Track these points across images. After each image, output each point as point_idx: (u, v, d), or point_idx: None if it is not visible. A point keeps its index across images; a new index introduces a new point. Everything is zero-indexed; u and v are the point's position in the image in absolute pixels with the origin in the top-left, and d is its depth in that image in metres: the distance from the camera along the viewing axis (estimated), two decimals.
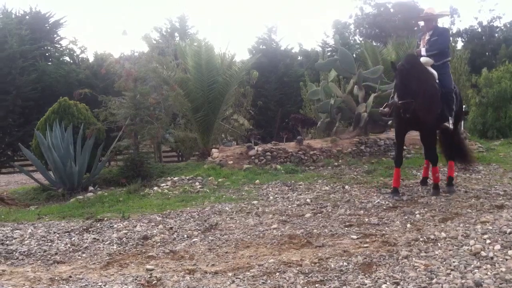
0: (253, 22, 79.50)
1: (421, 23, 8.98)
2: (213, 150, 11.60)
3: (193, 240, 5.67)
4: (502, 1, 71.55)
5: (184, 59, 13.09)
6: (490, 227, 5.41)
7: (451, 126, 7.80)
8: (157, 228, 6.24)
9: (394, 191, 7.63)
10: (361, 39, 46.95)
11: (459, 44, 49.22)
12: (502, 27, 56.48)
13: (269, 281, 4.21)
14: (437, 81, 7.66)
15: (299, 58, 39.05)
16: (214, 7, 74.65)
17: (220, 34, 68.92)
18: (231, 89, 13.25)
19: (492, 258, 4.46)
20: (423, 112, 7.29)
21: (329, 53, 26.52)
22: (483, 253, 4.56)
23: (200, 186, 9.05)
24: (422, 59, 7.73)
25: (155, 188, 9.07)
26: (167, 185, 9.20)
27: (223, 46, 13.79)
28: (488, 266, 4.27)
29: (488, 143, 13.92)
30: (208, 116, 12.54)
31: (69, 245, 5.67)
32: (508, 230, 5.22)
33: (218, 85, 12.35)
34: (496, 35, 55.45)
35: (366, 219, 6.22)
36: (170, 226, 6.34)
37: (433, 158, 7.80)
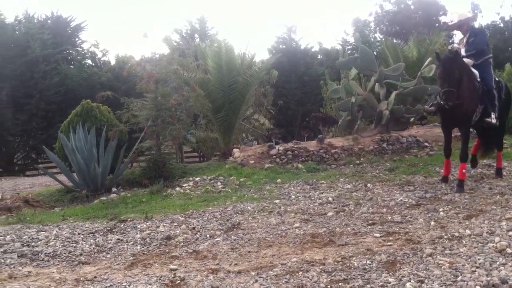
0: (273, 22, 79.55)
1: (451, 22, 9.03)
2: (234, 150, 11.63)
3: (216, 239, 5.69)
4: None
5: (204, 60, 13.16)
6: None
7: (493, 121, 8.02)
8: (180, 228, 6.27)
9: (443, 179, 8.26)
10: (381, 36, 46.68)
11: None
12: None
13: (292, 280, 4.21)
14: (478, 79, 7.99)
15: (319, 56, 38.92)
16: (234, 8, 74.87)
17: (240, 34, 69.21)
18: (251, 89, 13.28)
19: None
20: (464, 111, 7.75)
21: (349, 51, 26.41)
22: (508, 250, 4.49)
23: (222, 186, 9.08)
24: (466, 60, 8.02)
25: (177, 188, 9.12)
26: (189, 185, 9.25)
27: (243, 46, 13.85)
28: None
29: None
30: (229, 116, 12.59)
31: (93, 246, 5.73)
32: None
33: (238, 85, 12.39)
34: None
35: (389, 217, 6.18)
36: (192, 226, 6.37)
37: (464, 156, 7.93)
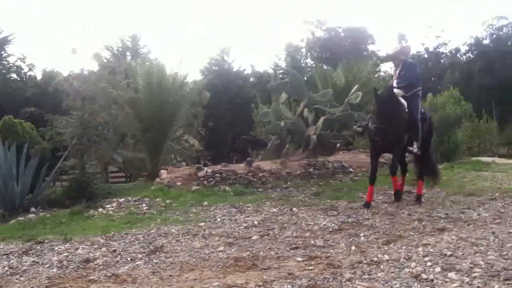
0: (207, 43, 79.83)
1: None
2: (162, 171, 11.48)
3: (137, 263, 5.55)
4: (448, 28, 74.47)
5: (135, 79, 13.00)
6: (432, 250, 5.51)
7: (415, 150, 8.61)
8: (100, 251, 6.08)
9: (365, 204, 8.40)
10: (312, 62, 47.82)
11: None
12: (448, 53, 58.59)
13: None
14: (406, 110, 8.48)
15: (251, 79, 39.38)
16: (168, 27, 74.62)
17: (173, 54, 68.91)
18: (182, 109, 13.22)
19: (432, 280, 4.53)
20: (392, 137, 8.26)
21: (280, 75, 26.79)
22: (424, 276, 4.63)
23: (146, 207, 8.91)
24: (396, 91, 8.55)
25: (100, 209, 8.86)
26: (112, 207, 9.01)
27: (175, 66, 13.77)
28: None
29: None
30: (158, 137, 12.44)
31: (6, 268, 5.45)
32: (449, 253, 5.34)
33: (169, 106, 12.29)
34: (442, 61, 57.50)
35: (312, 241, 6.24)
36: (113, 248, 6.19)
37: (393, 171, 8.75)
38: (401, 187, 9.23)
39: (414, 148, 8.58)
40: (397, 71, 8.99)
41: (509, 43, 51.17)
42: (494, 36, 53.27)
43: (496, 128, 27.91)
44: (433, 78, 51.41)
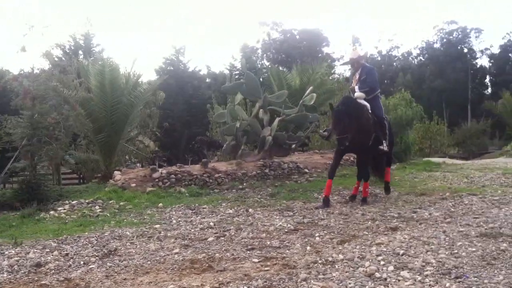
0: (163, 42, 79.18)
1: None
2: (116, 172, 11.29)
3: (90, 266, 5.44)
4: (400, 31, 76.04)
5: (87, 78, 12.72)
6: (385, 249, 5.61)
7: (385, 149, 9.09)
8: (52, 255, 5.92)
9: (324, 199, 8.71)
10: (268, 63, 48.06)
11: None
12: (400, 57, 60.01)
13: None
14: (369, 111, 8.97)
15: (207, 80, 39.24)
16: (122, 26, 73.59)
17: (127, 53, 67.97)
18: (136, 110, 13.02)
19: (385, 279, 4.61)
20: (358, 141, 8.70)
21: (236, 76, 26.81)
22: (377, 274, 4.70)
23: (100, 210, 8.73)
24: (356, 94, 9.13)
25: (52, 212, 8.64)
26: (64, 209, 8.80)
27: (129, 65, 13.55)
28: (382, 287, 4.41)
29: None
30: (111, 137, 12.23)
31: None
32: (401, 252, 5.45)
33: (122, 106, 12.09)
34: (395, 64, 58.84)
35: (268, 242, 6.25)
36: (66, 252, 6.04)
37: (365, 176, 9.19)
38: (356, 191, 9.53)
39: (384, 146, 9.05)
40: (357, 75, 9.39)
41: (458, 47, 52.72)
42: (445, 40, 54.87)
43: (447, 130, 28.70)
44: (386, 81, 52.53)
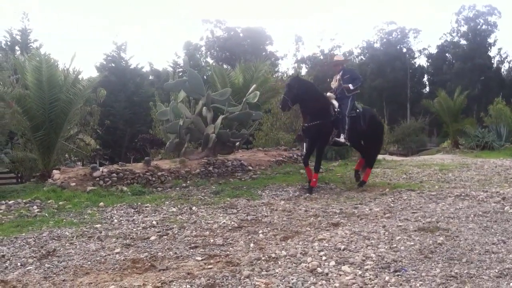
0: (104, 39, 77.55)
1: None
2: (54, 171, 10.93)
3: (28, 268, 5.26)
4: (342, 31, 77.51)
5: (23, 75, 12.25)
6: (327, 244, 5.71)
7: (342, 140, 10.26)
8: None
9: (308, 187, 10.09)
10: (212, 61, 47.93)
11: (304, 70, 52.45)
12: (342, 56, 60.97)
13: None
14: (336, 109, 10.31)
15: (150, 77, 38.70)
16: (63, 22, 71.62)
17: (68, 49, 66.19)
18: (76, 107, 12.66)
19: (327, 274, 4.69)
20: (315, 125, 10.14)
21: (180, 74, 26.61)
22: (319, 270, 4.78)
23: (38, 210, 8.44)
24: (328, 94, 10.73)
25: None
26: (1, 210, 8.45)
27: (68, 62, 13.11)
28: (324, 281, 4.49)
29: (328, 164, 14.84)
30: (50, 135, 11.83)
31: None
32: (343, 247, 5.56)
33: (60, 103, 11.71)
34: None
35: (212, 240, 6.24)
36: (2, 253, 5.81)
37: (317, 167, 10.38)
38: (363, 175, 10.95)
39: (341, 138, 10.23)
40: (338, 76, 10.65)
41: (398, 47, 54.15)
42: (384, 40, 56.25)
43: (387, 127, 29.41)
44: (328, 79, 53.29)
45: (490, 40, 50.57)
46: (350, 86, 10.35)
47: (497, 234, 6.12)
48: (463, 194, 9.00)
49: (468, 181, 10.95)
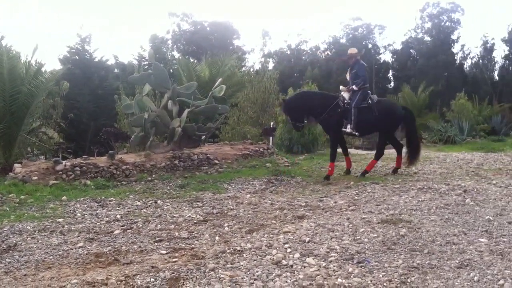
0: (68, 32, 76.17)
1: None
2: (16, 165, 10.70)
3: None
4: (309, 26, 77.89)
5: None
6: (292, 237, 5.74)
7: (348, 130, 10.91)
8: None
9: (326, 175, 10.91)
10: (178, 55, 47.55)
11: (271, 65, 52.58)
12: (308, 51, 61.28)
13: None
14: (346, 101, 10.90)
15: (115, 70, 38.20)
16: (26, 12, 70.02)
17: (31, 42, 64.79)
18: (38, 100, 12.40)
19: (292, 266, 4.72)
20: (324, 120, 11.14)
21: (146, 67, 26.35)
22: (284, 262, 4.80)
23: None
24: (340, 87, 11.46)
25: None
26: None
27: (29, 54, 12.80)
28: (288, 273, 4.51)
29: (294, 158, 14.93)
30: (11, 129, 11.58)
31: None
32: (307, 239, 5.60)
33: (22, 96, 11.47)
34: (303, 57, 60.01)
35: (177, 233, 6.21)
36: None
37: (331, 156, 11.17)
38: (397, 164, 11.62)
39: (348, 129, 10.85)
40: (349, 69, 11.32)
41: (363, 43, 54.63)
42: (351, 35, 56.67)
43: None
44: (295, 74, 53.53)
45: (454, 37, 51.43)
46: (354, 87, 10.94)
47: (458, 226, 6.25)
48: (425, 187, 9.16)
49: (431, 174, 11.14)
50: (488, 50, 49.94)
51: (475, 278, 4.36)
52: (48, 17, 73.57)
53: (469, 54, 53.20)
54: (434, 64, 44.40)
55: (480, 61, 50.64)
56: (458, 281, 4.33)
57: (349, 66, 11.39)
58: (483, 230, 6.05)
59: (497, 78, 49.04)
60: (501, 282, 4.25)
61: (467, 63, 52.83)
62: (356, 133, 11.20)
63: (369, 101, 10.99)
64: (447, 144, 22.07)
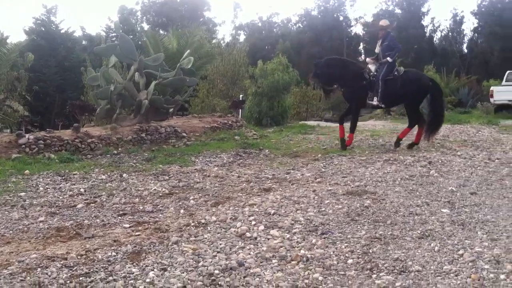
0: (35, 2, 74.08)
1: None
2: None
3: None
4: None
5: None
6: (257, 209, 5.73)
7: (374, 103, 10.91)
8: None
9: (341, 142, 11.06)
10: (148, 26, 46.75)
11: (242, 37, 52.13)
12: (280, 23, 60.91)
13: (28, 277, 3.88)
14: (372, 73, 10.94)
15: (83, 42, 37.44)
16: None
17: None
18: (1, 71, 12.09)
19: (255, 238, 4.71)
20: (347, 90, 11.26)
21: (113, 39, 25.84)
22: (248, 234, 4.79)
23: None
24: (367, 60, 11.80)
25: None
26: None
27: None
28: (252, 246, 4.50)
29: (262, 130, 14.91)
30: None
31: None
32: (272, 211, 5.60)
33: None
34: (275, 30, 59.63)
35: (141, 207, 6.14)
36: None
37: (352, 127, 11.17)
38: (419, 136, 11.26)
39: (374, 101, 10.85)
40: (380, 41, 11.18)
41: (335, 15, 54.52)
42: (322, 8, 56.38)
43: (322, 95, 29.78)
44: (266, 47, 53.22)
45: (424, 10, 51.66)
46: (389, 59, 10.80)
47: (422, 197, 6.34)
48: (391, 159, 9.25)
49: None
50: (457, 23, 50.29)
51: (436, 248, 4.41)
52: None
53: (439, 27, 53.53)
54: (404, 37, 44.46)
55: (450, 34, 50.98)
56: (419, 251, 4.38)
57: (380, 38, 11.31)
58: (446, 200, 6.14)
59: (465, 51, 49.50)
60: (461, 252, 4.31)
61: (437, 36, 53.18)
62: (383, 105, 11.31)
63: (395, 73, 10.97)
64: None
